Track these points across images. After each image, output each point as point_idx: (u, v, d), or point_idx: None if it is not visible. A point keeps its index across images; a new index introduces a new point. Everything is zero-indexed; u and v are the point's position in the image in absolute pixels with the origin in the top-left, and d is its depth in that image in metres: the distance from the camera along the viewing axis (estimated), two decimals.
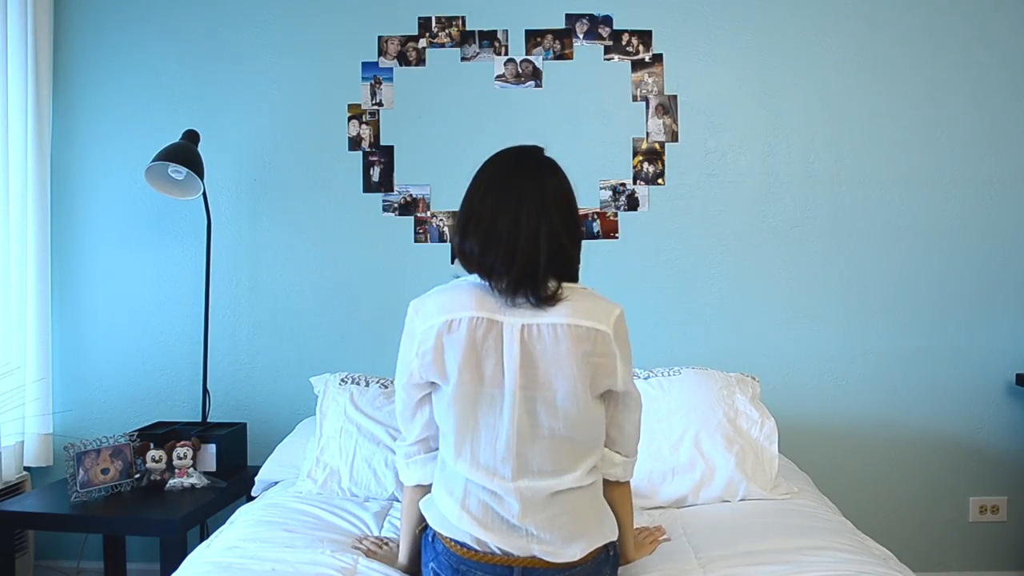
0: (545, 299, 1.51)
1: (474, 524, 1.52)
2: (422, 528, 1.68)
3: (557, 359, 1.51)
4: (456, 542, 1.55)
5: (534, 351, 1.51)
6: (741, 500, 2.21)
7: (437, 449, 1.65)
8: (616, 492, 1.70)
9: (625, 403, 1.63)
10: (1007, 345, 2.97)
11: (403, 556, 1.76)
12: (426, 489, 1.67)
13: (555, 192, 1.56)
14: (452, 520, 1.54)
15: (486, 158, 1.68)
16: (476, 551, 1.53)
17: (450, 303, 1.55)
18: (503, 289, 1.51)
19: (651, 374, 2.52)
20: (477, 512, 1.52)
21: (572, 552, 1.52)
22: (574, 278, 1.59)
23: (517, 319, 1.51)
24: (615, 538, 1.62)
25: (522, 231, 1.50)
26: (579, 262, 1.61)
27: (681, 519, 2.11)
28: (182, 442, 2.60)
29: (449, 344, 1.52)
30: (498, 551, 1.52)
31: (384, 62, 3.00)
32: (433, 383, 1.59)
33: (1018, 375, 2.93)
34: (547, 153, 1.64)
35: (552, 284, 1.52)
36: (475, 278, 1.58)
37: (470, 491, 1.53)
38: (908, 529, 2.99)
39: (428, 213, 2.99)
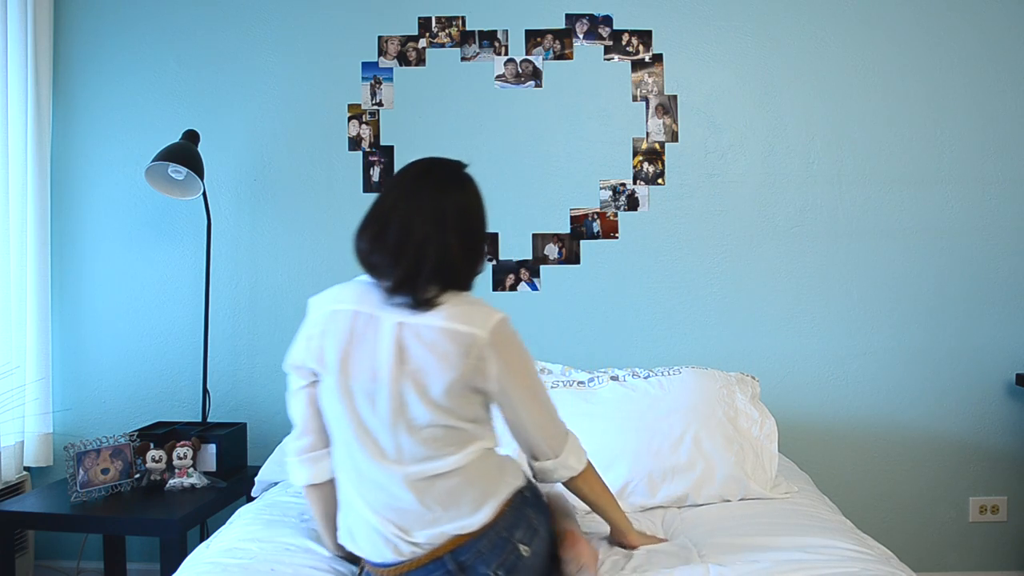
0: (422, 303, 1.55)
1: (379, 537, 1.59)
2: None
3: (430, 357, 1.54)
4: (374, 564, 1.62)
5: (407, 348, 1.55)
6: (741, 499, 2.21)
7: (325, 448, 1.70)
8: (575, 484, 1.75)
9: (509, 403, 1.63)
10: (1007, 345, 2.97)
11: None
12: (323, 487, 1.72)
13: (456, 207, 1.60)
14: (360, 541, 1.63)
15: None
16: (400, 563, 1.59)
17: (339, 295, 1.64)
18: (386, 288, 1.57)
19: (651, 373, 2.51)
20: (378, 522, 1.58)
21: (484, 515, 1.57)
22: (463, 288, 1.63)
23: (395, 317, 1.57)
24: (521, 484, 1.67)
25: (411, 238, 1.55)
26: (474, 274, 1.65)
27: (681, 518, 2.11)
28: (182, 442, 2.60)
29: (331, 332, 1.60)
30: (421, 551, 1.57)
31: (384, 62, 3.00)
32: (314, 373, 1.66)
33: (1018, 375, 2.93)
34: (469, 169, 1.69)
35: (433, 290, 1.56)
36: (367, 277, 1.63)
37: (365, 497, 1.60)
38: (908, 529, 2.99)
39: None
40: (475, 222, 1.65)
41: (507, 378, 1.60)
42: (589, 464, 1.76)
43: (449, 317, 1.56)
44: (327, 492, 1.71)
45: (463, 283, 1.63)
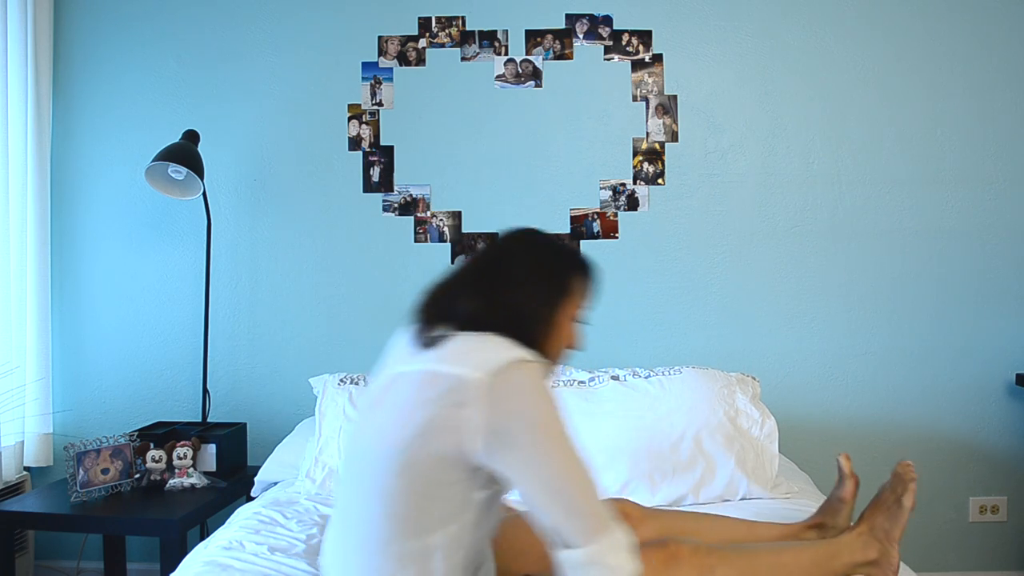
0: (425, 342, 1.35)
1: None
2: None
3: (390, 406, 1.33)
4: None
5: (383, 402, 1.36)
6: (742, 499, 2.22)
7: None
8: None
9: (512, 479, 1.28)
10: (1007, 345, 2.97)
11: None
12: None
13: (508, 260, 1.43)
14: None
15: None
16: None
17: None
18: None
19: (652, 373, 2.52)
20: None
21: None
22: (484, 330, 1.36)
23: (395, 368, 1.38)
24: None
25: (444, 279, 1.43)
26: (497, 326, 1.35)
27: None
28: (182, 442, 2.60)
29: None
30: None
31: (384, 62, 3.00)
32: None
33: (1018, 375, 2.93)
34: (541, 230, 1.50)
35: (442, 329, 1.35)
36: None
37: None
38: (908, 529, 2.95)
39: (428, 213, 2.99)
40: (515, 280, 1.40)
41: (506, 444, 1.24)
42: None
43: (441, 357, 1.30)
44: None
45: (484, 328, 1.35)
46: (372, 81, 3.00)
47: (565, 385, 2.53)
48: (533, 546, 1.48)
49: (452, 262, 2.99)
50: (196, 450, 2.61)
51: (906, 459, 1.84)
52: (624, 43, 2.98)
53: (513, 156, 2.98)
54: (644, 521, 1.70)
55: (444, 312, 1.38)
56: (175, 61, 3.02)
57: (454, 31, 3.00)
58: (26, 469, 2.90)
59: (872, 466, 2.99)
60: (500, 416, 1.24)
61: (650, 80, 2.98)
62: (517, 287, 1.39)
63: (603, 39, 2.99)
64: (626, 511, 1.68)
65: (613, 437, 2.31)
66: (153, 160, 2.69)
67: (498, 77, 2.99)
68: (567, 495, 1.25)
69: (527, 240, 1.47)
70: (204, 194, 2.83)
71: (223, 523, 2.13)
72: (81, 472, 2.43)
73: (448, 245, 2.99)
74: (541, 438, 1.26)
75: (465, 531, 1.32)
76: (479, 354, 1.28)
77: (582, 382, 2.54)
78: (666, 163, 2.98)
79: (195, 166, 2.73)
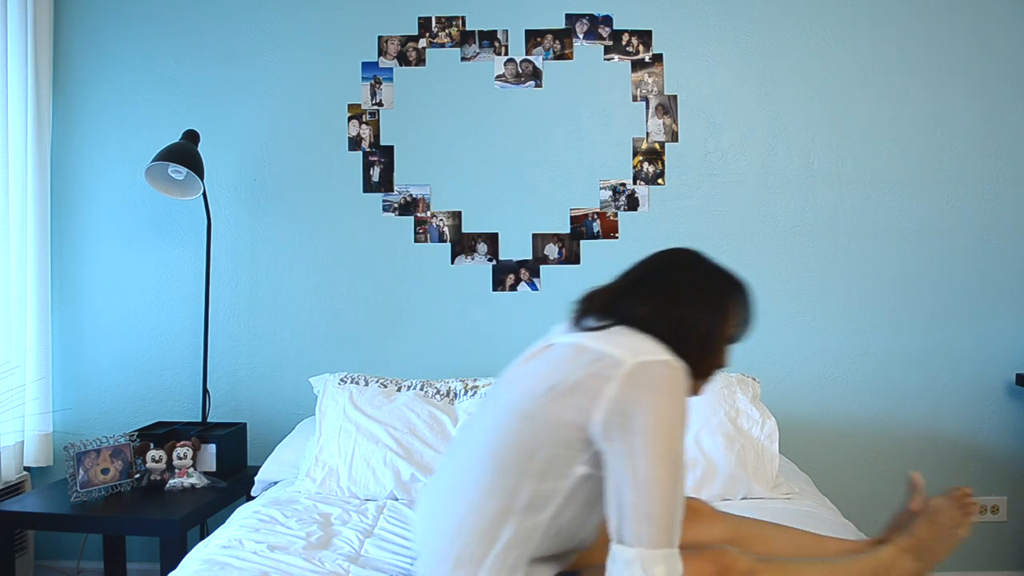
0: (584, 327, 1.46)
1: None
2: None
3: (534, 365, 1.44)
4: None
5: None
6: (742, 499, 2.22)
7: None
8: None
9: (610, 464, 1.31)
10: (1007, 345, 2.97)
11: None
12: None
13: (673, 275, 1.49)
14: None
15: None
16: None
17: None
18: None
19: None
20: None
21: None
22: (642, 330, 1.42)
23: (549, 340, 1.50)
24: None
25: (606, 285, 1.53)
26: (658, 334, 1.40)
27: None
28: (182, 442, 2.60)
29: None
30: None
31: (384, 62, 3.00)
32: None
33: (1018, 375, 2.93)
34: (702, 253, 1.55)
35: (605, 321, 1.44)
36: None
37: None
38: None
39: (428, 213, 2.99)
40: (684, 298, 1.45)
41: (620, 429, 1.29)
42: None
43: (594, 338, 1.39)
44: None
45: (643, 328, 1.41)
46: (372, 81, 3.00)
47: None
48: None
49: (452, 262, 2.99)
50: (196, 450, 2.61)
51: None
52: (624, 43, 2.98)
53: (513, 156, 2.98)
54: (714, 521, 1.70)
55: (607, 309, 1.45)
56: (175, 61, 3.02)
57: (454, 31, 3.00)
58: (26, 469, 2.90)
59: (872, 466, 3.00)
60: (630, 401, 1.29)
61: (650, 80, 2.98)
62: (682, 301, 1.44)
63: (603, 39, 2.99)
64: (697, 508, 1.69)
65: None
66: (153, 160, 2.69)
67: (498, 77, 2.99)
68: (650, 498, 1.27)
69: (690, 259, 1.52)
70: (204, 194, 2.83)
71: (223, 523, 2.14)
72: (81, 472, 2.43)
73: (448, 245, 2.99)
74: (654, 437, 1.28)
75: (557, 497, 1.36)
76: (634, 344, 1.35)
77: None
78: (666, 163, 2.98)
79: (195, 166, 2.73)
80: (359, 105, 3.01)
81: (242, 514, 2.11)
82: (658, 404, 1.30)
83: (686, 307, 1.43)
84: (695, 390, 1.45)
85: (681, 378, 1.33)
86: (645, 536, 1.27)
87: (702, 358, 1.43)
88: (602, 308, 1.47)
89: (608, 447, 1.31)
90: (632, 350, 1.33)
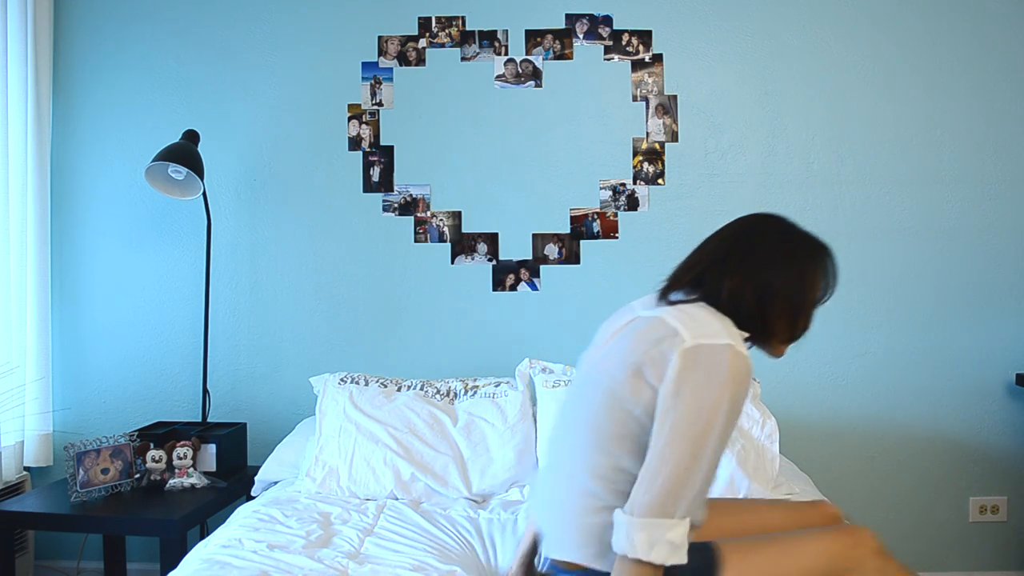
0: (667, 300, 1.50)
1: None
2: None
3: (620, 339, 1.48)
4: None
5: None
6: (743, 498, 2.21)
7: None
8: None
9: (655, 430, 1.36)
10: (1007, 345, 2.97)
11: None
12: None
13: (760, 241, 1.50)
14: None
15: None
16: None
17: None
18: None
19: None
20: None
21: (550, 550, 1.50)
22: (722, 309, 1.46)
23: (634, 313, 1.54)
24: (581, 562, 1.45)
25: (694, 253, 1.55)
26: (745, 303, 1.45)
27: None
28: (182, 442, 2.60)
29: None
30: None
31: (384, 62, 3.00)
32: None
33: (1018, 375, 2.93)
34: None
35: (682, 294, 1.48)
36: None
37: None
38: (908, 529, 2.98)
39: (428, 213, 2.99)
40: (769, 263, 1.48)
41: (672, 407, 1.34)
42: (659, 570, 1.33)
43: (669, 313, 1.43)
44: None
45: (720, 304, 1.46)
46: (372, 81, 3.00)
47: (566, 385, 2.53)
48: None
49: (452, 262, 2.99)
50: (196, 450, 2.61)
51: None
52: (624, 43, 2.98)
53: (513, 156, 2.98)
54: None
55: (694, 281, 1.48)
56: (175, 61, 3.02)
57: (454, 31, 3.00)
58: (26, 469, 2.90)
59: (872, 466, 3.00)
60: (681, 379, 1.33)
61: (650, 80, 2.98)
62: (771, 268, 1.46)
63: (603, 39, 2.99)
64: None
65: None
66: (153, 160, 2.69)
67: (498, 77, 2.99)
68: (658, 473, 1.32)
69: (777, 224, 1.54)
70: (204, 194, 2.83)
71: (223, 523, 2.14)
72: (81, 472, 2.43)
73: (448, 245, 2.99)
74: (689, 417, 1.33)
75: None
76: (704, 324, 1.39)
77: None
78: (666, 163, 2.98)
79: (195, 166, 2.73)
80: (359, 105, 3.01)
81: (242, 513, 2.11)
82: (704, 387, 1.33)
83: (772, 274, 1.46)
84: (778, 353, 1.53)
85: (740, 366, 1.36)
86: (640, 504, 1.32)
87: (788, 323, 1.48)
88: (690, 281, 1.49)
89: (658, 412, 1.36)
90: (697, 330, 1.37)
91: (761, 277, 1.45)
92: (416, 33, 3.00)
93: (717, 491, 2.22)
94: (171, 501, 2.44)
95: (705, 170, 2.98)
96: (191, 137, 2.83)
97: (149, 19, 3.02)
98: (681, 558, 1.32)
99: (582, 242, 2.99)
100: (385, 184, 3.00)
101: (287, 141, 3.02)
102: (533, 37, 2.99)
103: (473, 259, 2.99)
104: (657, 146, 2.98)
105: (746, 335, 1.47)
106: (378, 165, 3.00)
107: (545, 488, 1.58)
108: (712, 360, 1.34)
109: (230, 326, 3.02)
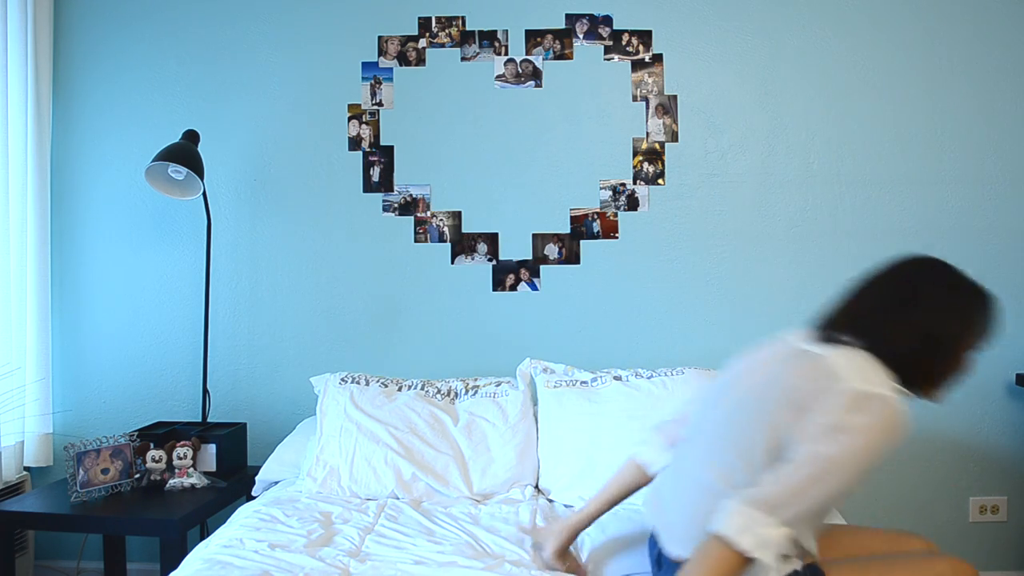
0: (825, 340, 1.53)
1: None
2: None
3: (768, 365, 1.56)
4: None
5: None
6: None
7: None
8: (705, 550, 1.42)
9: (803, 442, 1.42)
10: (1007, 345, 2.96)
11: None
12: None
13: (923, 287, 1.52)
14: None
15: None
16: None
17: None
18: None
19: (654, 374, 2.52)
20: None
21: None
22: (885, 356, 1.47)
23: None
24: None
25: (854, 294, 1.60)
26: (905, 348, 1.48)
27: None
28: (182, 442, 2.59)
29: None
30: None
31: (384, 62, 3.00)
32: None
33: (1018, 375, 2.93)
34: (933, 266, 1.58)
35: (852, 339, 1.50)
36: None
37: None
38: (908, 529, 2.98)
39: (428, 213, 2.99)
40: (926, 312, 1.50)
41: (830, 433, 1.38)
42: (741, 560, 1.37)
43: (838, 355, 1.46)
44: None
45: (882, 350, 1.48)
46: (372, 81, 3.00)
47: (567, 385, 2.53)
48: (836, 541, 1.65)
49: (452, 262, 2.99)
50: (196, 450, 2.60)
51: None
52: (624, 43, 2.98)
53: (513, 156, 2.98)
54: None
55: (855, 325, 1.52)
56: (175, 61, 3.02)
57: (454, 31, 3.00)
58: (26, 469, 2.90)
59: None
60: (844, 423, 1.37)
61: (650, 80, 2.98)
62: (941, 320, 1.49)
63: (603, 39, 2.99)
64: None
65: (616, 437, 2.31)
66: (153, 160, 2.69)
67: (498, 77, 2.99)
68: (795, 480, 1.37)
69: (943, 273, 1.56)
70: (204, 194, 2.83)
71: (223, 523, 2.14)
72: (81, 472, 2.43)
73: (448, 245, 2.99)
74: (844, 451, 1.37)
75: None
76: (872, 374, 1.43)
77: (584, 382, 2.54)
78: (666, 163, 2.98)
79: (195, 166, 2.73)
80: (359, 105, 3.01)
81: (243, 514, 2.11)
82: (862, 431, 1.37)
83: (942, 326, 1.49)
84: (936, 399, 1.54)
85: (898, 417, 1.40)
86: (751, 495, 1.38)
87: (952, 371, 1.52)
88: (850, 325, 1.53)
89: (804, 441, 1.40)
90: (865, 377, 1.41)
91: (931, 329, 1.49)
92: (416, 33, 3.00)
93: None
94: (171, 501, 2.43)
95: (705, 170, 2.98)
96: (191, 137, 2.83)
97: (149, 19, 3.02)
98: (766, 557, 1.36)
99: (582, 242, 2.99)
100: (385, 184, 3.00)
101: (287, 141, 3.02)
102: (533, 37, 2.99)
103: (473, 259, 2.99)
104: (657, 146, 2.98)
105: (904, 385, 1.49)
106: (378, 165, 3.00)
107: (670, 491, 1.65)
108: (876, 408, 1.39)
109: (230, 326, 3.02)
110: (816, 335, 1.57)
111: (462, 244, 2.99)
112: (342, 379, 2.57)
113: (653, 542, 1.68)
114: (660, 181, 2.99)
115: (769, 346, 1.65)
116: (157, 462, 2.56)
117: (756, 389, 1.54)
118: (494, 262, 2.99)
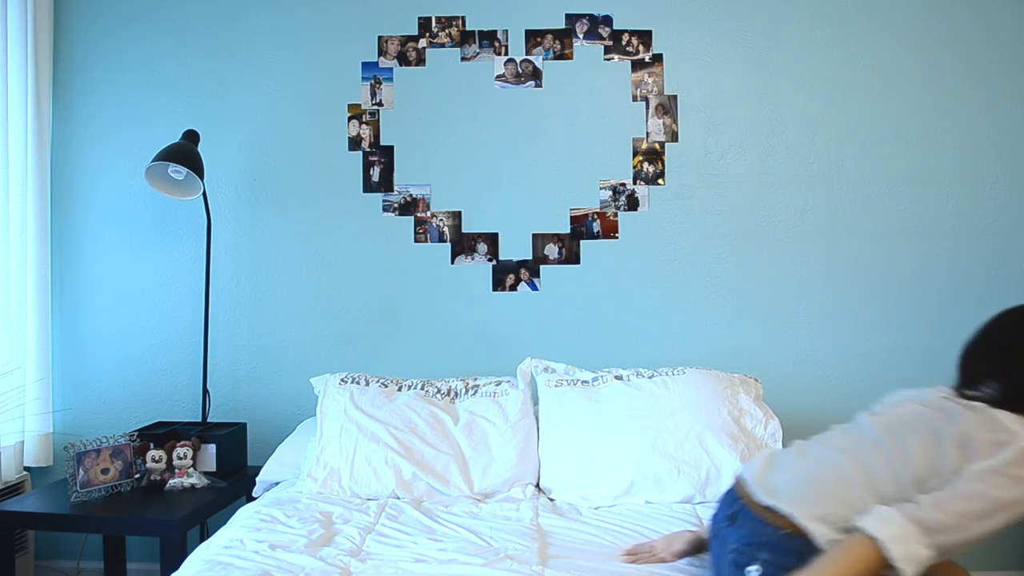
0: (962, 393, 1.69)
1: None
2: None
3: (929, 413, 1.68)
4: None
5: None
6: None
7: None
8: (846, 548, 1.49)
9: (970, 478, 1.49)
10: None
11: None
12: None
13: None
14: None
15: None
16: None
17: None
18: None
19: (655, 373, 2.52)
20: None
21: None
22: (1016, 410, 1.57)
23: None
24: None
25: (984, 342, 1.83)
26: None
27: (693, 512, 2.15)
28: (182, 442, 2.59)
29: None
30: None
31: (384, 62, 3.00)
32: None
33: None
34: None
35: (985, 391, 1.65)
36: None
37: None
38: None
39: (428, 213, 2.99)
40: None
41: (995, 474, 1.47)
42: (882, 564, 1.42)
43: (1003, 415, 1.55)
44: None
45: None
46: (372, 81, 3.00)
47: (569, 385, 2.53)
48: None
49: (452, 262, 2.99)
50: (196, 450, 2.60)
51: None
52: (624, 43, 2.98)
53: (513, 156, 2.98)
54: None
55: (987, 374, 1.71)
56: (175, 61, 3.02)
57: (454, 31, 3.00)
58: (26, 469, 2.90)
59: None
60: (1015, 469, 1.45)
61: (650, 80, 2.98)
62: None
63: (603, 39, 2.99)
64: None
65: (618, 436, 2.32)
66: (153, 160, 2.69)
67: (498, 77, 2.99)
68: (960, 512, 1.44)
69: None
70: (204, 194, 2.83)
71: (223, 523, 2.14)
72: (81, 472, 2.43)
73: (448, 245, 2.99)
74: (1010, 496, 1.44)
75: None
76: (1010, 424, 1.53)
77: (586, 382, 2.54)
78: (666, 163, 2.98)
79: (195, 166, 2.72)
80: (359, 105, 3.01)
81: (243, 514, 2.11)
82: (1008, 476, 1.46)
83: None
84: None
85: None
86: (915, 514, 1.43)
87: None
88: (980, 374, 1.74)
89: (971, 481, 1.47)
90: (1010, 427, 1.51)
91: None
92: (416, 33, 3.00)
93: (721, 488, 2.22)
94: (171, 501, 2.43)
95: (705, 170, 2.98)
96: (191, 137, 2.83)
97: (149, 19, 3.02)
98: (909, 571, 1.40)
99: (582, 242, 2.99)
100: (385, 184, 3.00)
101: (287, 141, 3.02)
102: (533, 37, 2.99)
103: (473, 259, 2.99)
104: (657, 146, 2.98)
105: None
106: (378, 165, 3.00)
107: (789, 463, 1.72)
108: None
109: (230, 326, 3.02)
110: (967, 389, 1.74)
111: (462, 244, 2.99)
112: (342, 379, 2.57)
113: (728, 500, 1.71)
114: (660, 181, 2.99)
115: (915, 392, 1.86)
116: (157, 462, 2.56)
117: (923, 416, 1.67)
118: (494, 262, 2.99)
